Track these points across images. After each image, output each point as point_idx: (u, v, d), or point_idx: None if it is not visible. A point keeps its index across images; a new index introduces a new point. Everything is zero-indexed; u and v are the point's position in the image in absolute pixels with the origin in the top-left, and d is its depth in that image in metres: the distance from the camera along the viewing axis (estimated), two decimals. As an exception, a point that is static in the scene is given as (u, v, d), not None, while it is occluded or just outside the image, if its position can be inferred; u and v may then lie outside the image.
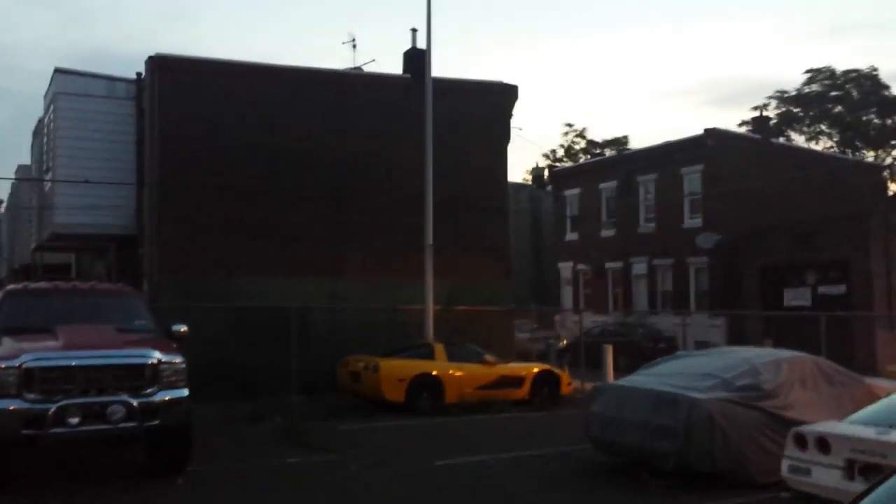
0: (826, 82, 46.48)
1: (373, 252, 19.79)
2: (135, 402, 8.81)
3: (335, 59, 30.62)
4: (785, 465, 7.98)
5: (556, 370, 17.99)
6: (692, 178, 30.88)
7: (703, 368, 10.25)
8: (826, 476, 7.48)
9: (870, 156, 45.00)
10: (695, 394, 9.39)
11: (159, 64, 18.88)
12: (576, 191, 37.13)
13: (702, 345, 21.82)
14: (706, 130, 30.46)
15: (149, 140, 19.16)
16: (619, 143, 53.16)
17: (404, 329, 18.27)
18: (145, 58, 19.25)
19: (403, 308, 18.51)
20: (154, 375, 9.06)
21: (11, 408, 8.47)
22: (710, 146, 30.01)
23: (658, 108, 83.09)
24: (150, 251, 18.72)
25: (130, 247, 20.23)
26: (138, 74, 19.80)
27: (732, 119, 69.04)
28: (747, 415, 9.30)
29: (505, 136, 22.08)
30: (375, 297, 19.01)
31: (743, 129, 40.56)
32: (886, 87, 45.37)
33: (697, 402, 9.23)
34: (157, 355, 9.16)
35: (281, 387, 15.75)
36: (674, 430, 9.20)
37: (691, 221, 30.67)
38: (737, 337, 25.59)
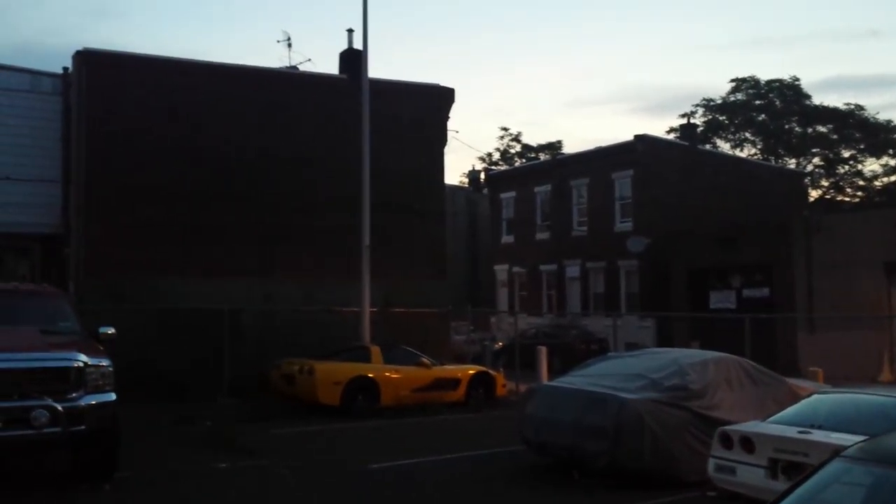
0: (750, 91, 47.84)
1: (306, 253, 19.58)
2: (60, 407, 8.52)
3: (270, 58, 30.52)
4: (711, 465, 8.17)
5: (492, 372, 18.09)
6: (623, 183, 31.48)
7: (633, 369, 10.44)
8: (750, 475, 7.69)
9: (791, 163, 46.43)
10: (625, 394, 9.57)
11: (86, 59, 18.37)
12: (511, 194, 37.45)
13: (632, 346, 22.23)
14: (636, 137, 31.14)
15: (75, 137, 18.60)
16: (553, 147, 53.84)
17: (339, 331, 18.13)
18: (72, 53, 18.74)
19: (338, 310, 18.38)
20: (80, 379, 8.77)
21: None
22: (640, 152, 30.68)
23: (590, 115, 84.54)
24: (77, 251, 18.17)
25: (56, 246, 19.58)
26: (65, 69, 19.21)
27: (661, 126, 70.70)
28: (675, 415, 9.50)
29: (441, 139, 22.13)
30: (309, 299, 18.83)
31: (671, 136, 41.51)
32: (808, 97, 46.93)
33: (627, 402, 9.41)
34: (83, 358, 8.87)
35: (211, 390, 15.47)
36: (604, 430, 9.36)
37: (622, 225, 31.27)
38: (665, 338, 26.15)
